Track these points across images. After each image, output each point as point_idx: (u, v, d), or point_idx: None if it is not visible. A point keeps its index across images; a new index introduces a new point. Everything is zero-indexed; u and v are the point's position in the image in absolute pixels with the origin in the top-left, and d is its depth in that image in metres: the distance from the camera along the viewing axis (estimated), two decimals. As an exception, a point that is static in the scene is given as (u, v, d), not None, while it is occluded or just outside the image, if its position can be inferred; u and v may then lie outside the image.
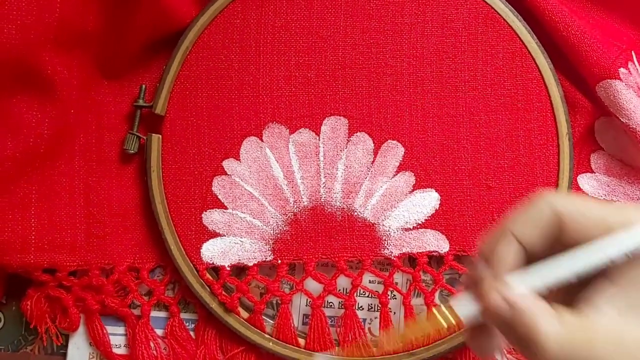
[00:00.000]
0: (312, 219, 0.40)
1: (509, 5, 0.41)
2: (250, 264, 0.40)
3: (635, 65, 0.40)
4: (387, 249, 0.40)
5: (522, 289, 0.23)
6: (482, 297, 0.24)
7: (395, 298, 0.42)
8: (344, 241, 0.40)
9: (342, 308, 0.41)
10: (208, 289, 0.40)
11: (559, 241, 0.24)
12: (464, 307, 0.24)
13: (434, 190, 0.40)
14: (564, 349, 0.23)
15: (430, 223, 0.40)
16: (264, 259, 0.40)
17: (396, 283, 0.41)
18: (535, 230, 0.24)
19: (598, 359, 0.23)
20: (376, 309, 0.42)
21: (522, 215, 0.25)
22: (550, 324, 0.23)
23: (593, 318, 0.23)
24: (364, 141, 0.41)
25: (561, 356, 0.23)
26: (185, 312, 0.42)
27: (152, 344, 0.41)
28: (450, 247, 0.40)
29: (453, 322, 0.24)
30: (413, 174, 0.41)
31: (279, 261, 0.40)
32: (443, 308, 0.24)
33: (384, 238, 0.40)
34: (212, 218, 0.40)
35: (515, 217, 0.25)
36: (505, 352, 0.42)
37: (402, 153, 0.41)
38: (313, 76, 0.41)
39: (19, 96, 0.38)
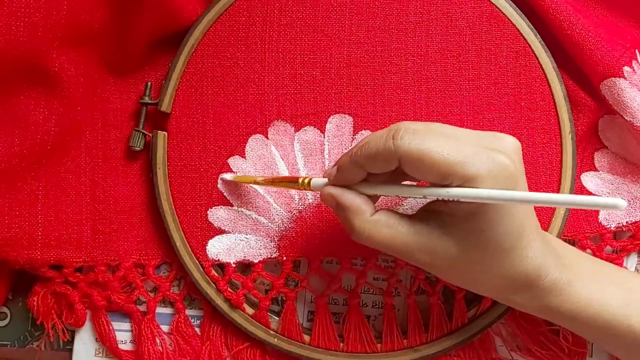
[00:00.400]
0: (317, 216, 0.41)
1: (513, 4, 0.41)
2: (256, 261, 0.41)
3: None
4: (392, 246, 0.40)
5: (348, 191, 0.33)
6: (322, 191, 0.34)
7: (400, 295, 0.42)
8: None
9: (346, 305, 0.42)
10: (213, 285, 0.41)
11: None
12: (316, 185, 0.35)
13: (438, 188, 0.41)
14: (364, 234, 0.32)
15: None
16: (269, 256, 0.41)
17: (400, 280, 0.42)
18: (379, 167, 0.31)
19: (397, 249, 0.32)
20: (380, 306, 0.42)
21: (371, 155, 0.31)
22: (360, 215, 0.32)
23: (413, 223, 0.32)
24: (368, 139, 0.41)
25: (363, 237, 0.32)
26: (190, 309, 0.42)
27: (157, 340, 0.41)
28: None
29: (305, 188, 0.35)
30: (417, 171, 0.41)
31: (284, 258, 0.41)
32: (305, 179, 0.35)
33: (388, 235, 0.40)
34: (217, 215, 0.41)
35: (367, 154, 0.31)
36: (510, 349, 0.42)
37: (407, 151, 0.41)
38: (318, 74, 0.41)
39: (26, 93, 0.38)
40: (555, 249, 0.34)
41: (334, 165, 0.34)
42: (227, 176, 0.40)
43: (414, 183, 0.36)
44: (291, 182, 0.36)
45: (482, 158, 0.29)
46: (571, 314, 0.34)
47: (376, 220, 0.32)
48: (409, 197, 0.33)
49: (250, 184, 0.40)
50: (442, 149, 0.29)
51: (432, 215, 0.32)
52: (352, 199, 0.33)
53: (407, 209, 0.40)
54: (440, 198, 0.30)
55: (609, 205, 0.25)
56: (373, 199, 0.34)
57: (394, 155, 0.30)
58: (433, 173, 0.30)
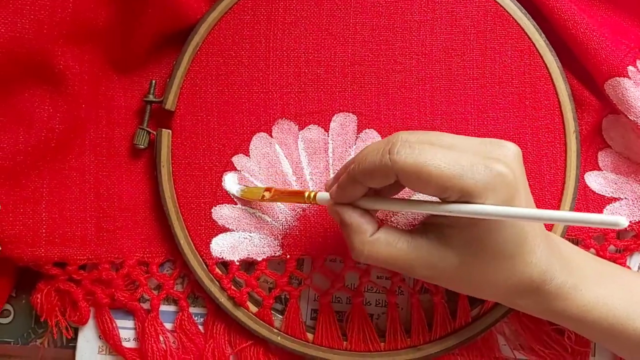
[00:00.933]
0: (320, 214, 0.41)
1: (518, 3, 0.41)
2: (259, 259, 0.41)
3: (644, 64, 0.40)
4: (395, 244, 0.40)
5: (350, 209, 0.33)
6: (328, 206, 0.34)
7: (403, 294, 0.42)
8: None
9: (350, 303, 0.42)
10: (217, 283, 0.41)
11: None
12: (321, 200, 0.35)
13: (442, 187, 0.41)
14: (363, 254, 0.32)
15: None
16: (273, 254, 0.41)
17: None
18: (377, 182, 0.31)
19: (399, 266, 0.32)
20: (384, 305, 0.42)
21: (368, 170, 0.31)
22: (360, 235, 0.32)
23: (413, 238, 0.32)
24: (372, 138, 0.41)
25: (362, 257, 0.33)
26: (194, 307, 0.42)
27: (161, 338, 0.41)
28: (458, 244, 0.40)
29: (311, 202, 0.35)
30: (421, 170, 0.41)
31: (288, 256, 0.41)
32: (311, 193, 0.35)
33: (392, 234, 0.40)
34: (221, 213, 0.41)
35: (364, 170, 0.31)
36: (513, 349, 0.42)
37: (411, 149, 0.41)
38: (322, 73, 0.41)
39: (31, 90, 0.38)
40: (560, 251, 0.34)
41: (334, 183, 0.34)
42: (234, 191, 0.40)
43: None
44: (297, 196, 0.36)
45: (479, 169, 0.29)
46: (576, 317, 0.34)
47: (375, 240, 0.32)
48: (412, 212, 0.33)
49: (258, 200, 0.40)
50: (438, 162, 0.29)
51: (431, 227, 0.33)
52: (353, 218, 0.33)
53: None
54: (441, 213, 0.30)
55: (611, 224, 0.25)
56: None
57: (391, 170, 0.30)
58: (431, 187, 0.29)
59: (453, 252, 0.31)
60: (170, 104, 0.41)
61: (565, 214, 0.28)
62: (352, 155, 0.41)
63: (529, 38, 0.41)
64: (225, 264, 0.41)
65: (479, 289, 0.34)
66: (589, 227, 0.42)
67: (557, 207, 0.41)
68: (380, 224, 0.34)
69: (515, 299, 0.34)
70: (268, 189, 0.39)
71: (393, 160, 0.29)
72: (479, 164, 0.29)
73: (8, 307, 0.43)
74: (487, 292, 0.34)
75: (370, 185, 0.32)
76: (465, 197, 0.29)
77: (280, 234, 0.41)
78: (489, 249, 0.31)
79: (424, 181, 0.29)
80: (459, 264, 0.32)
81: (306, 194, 0.35)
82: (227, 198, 0.41)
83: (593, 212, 0.42)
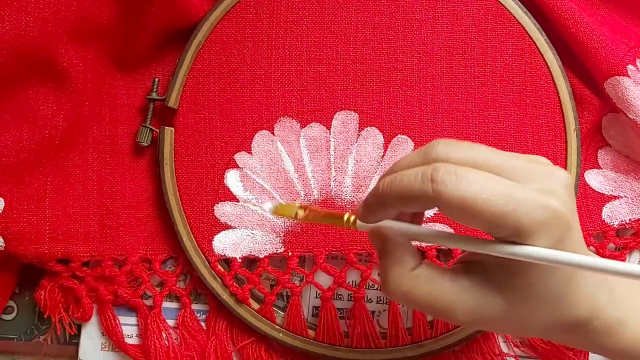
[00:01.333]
0: (322, 212, 0.41)
1: (519, 2, 0.41)
2: (261, 256, 0.41)
3: (644, 62, 0.41)
4: (396, 242, 0.41)
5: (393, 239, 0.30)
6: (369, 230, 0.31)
7: (404, 291, 0.42)
8: (353, 234, 0.41)
9: (351, 300, 0.42)
10: (219, 280, 0.41)
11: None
12: (362, 225, 0.30)
13: (443, 185, 0.41)
14: (400, 289, 0.28)
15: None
16: (275, 251, 0.41)
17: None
18: (411, 209, 0.29)
19: (437, 308, 0.28)
20: (385, 302, 0.42)
21: (404, 196, 0.27)
22: (400, 267, 0.29)
23: (456, 278, 0.28)
24: (374, 135, 0.41)
25: (397, 294, 0.28)
26: (196, 303, 0.42)
27: (163, 335, 0.41)
28: (458, 241, 0.41)
29: (350, 226, 0.31)
30: (422, 168, 0.41)
31: (290, 253, 0.41)
32: (351, 217, 0.30)
33: (393, 231, 0.41)
34: (224, 210, 0.41)
35: (399, 194, 0.27)
36: (512, 344, 0.42)
37: (412, 147, 0.41)
38: (324, 71, 0.41)
39: (35, 88, 0.38)
40: (606, 280, 0.30)
41: (363, 204, 0.30)
42: (266, 207, 0.40)
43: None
44: (335, 218, 0.32)
45: (535, 206, 0.26)
46: (622, 352, 0.31)
47: (416, 275, 0.28)
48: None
49: (291, 219, 0.38)
50: (489, 195, 0.25)
51: (475, 267, 0.29)
52: (397, 248, 0.29)
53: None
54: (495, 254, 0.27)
55: None
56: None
57: (432, 200, 0.26)
58: (479, 222, 0.26)
59: (499, 297, 0.28)
60: (173, 101, 0.41)
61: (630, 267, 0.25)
62: (353, 153, 0.41)
63: (530, 37, 0.41)
64: (227, 261, 0.41)
65: (521, 331, 0.31)
66: (588, 225, 0.42)
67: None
68: (422, 257, 0.31)
69: (557, 335, 0.31)
70: (303, 207, 0.34)
71: (436, 191, 0.26)
72: (533, 201, 0.26)
73: (11, 303, 0.43)
74: (529, 333, 0.31)
75: (402, 210, 0.29)
76: (518, 234, 0.26)
77: (282, 231, 0.41)
78: (538, 293, 0.28)
79: (472, 216, 0.26)
80: (504, 310, 0.28)
81: (345, 217, 0.30)
82: (229, 195, 0.41)
83: (592, 209, 0.42)
